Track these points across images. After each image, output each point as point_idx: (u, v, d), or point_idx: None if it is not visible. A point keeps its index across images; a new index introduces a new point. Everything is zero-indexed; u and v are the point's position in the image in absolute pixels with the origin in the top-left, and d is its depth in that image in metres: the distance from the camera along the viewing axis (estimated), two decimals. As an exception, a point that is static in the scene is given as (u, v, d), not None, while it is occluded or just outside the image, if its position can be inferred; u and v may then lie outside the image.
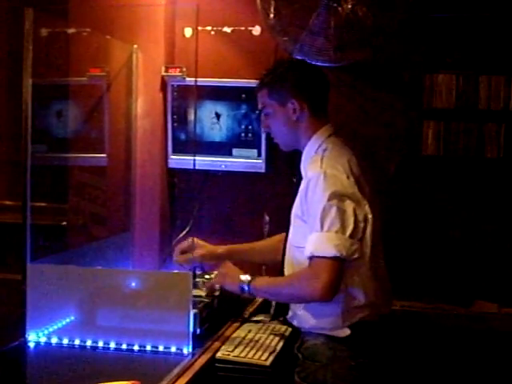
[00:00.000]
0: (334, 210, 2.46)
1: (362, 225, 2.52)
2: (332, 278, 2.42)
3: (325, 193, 2.48)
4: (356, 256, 2.48)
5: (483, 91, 3.42)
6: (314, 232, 2.48)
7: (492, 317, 3.34)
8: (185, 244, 3.08)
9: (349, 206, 2.50)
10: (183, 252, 3.06)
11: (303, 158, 2.71)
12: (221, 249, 3.08)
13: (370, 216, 2.56)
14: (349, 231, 2.47)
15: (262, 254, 3.12)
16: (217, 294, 2.92)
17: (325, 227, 2.46)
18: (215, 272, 3.13)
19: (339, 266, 2.44)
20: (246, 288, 2.63)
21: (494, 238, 3.46)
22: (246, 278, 2.65)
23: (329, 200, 2.47)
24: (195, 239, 3.04)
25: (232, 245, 3.15)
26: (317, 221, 2.47)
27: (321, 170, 2.52)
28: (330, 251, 2.43)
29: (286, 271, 2.72)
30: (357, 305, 2.55)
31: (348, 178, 2.54)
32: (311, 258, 2.47)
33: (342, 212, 2.47)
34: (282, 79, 2.70)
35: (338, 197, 2.48)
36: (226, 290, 2.79)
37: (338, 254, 2.43)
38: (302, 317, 2.64)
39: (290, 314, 2.73)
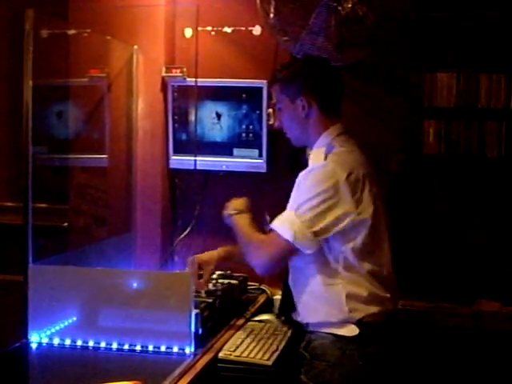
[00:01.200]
0: (315, 202, 2.51)
1: (341, 224, 2.52)
2: (275, 257, 2.57)
3: (317, 183, 2.53)
4: (309, 252, 2.53)
5: (483, 90, 3.42)
6: (288, 209, 2.57)
7: (494, 315, 3.34)
8: (195, 267, 3.00)
9: (333, 203, 2.51)
10: (199, 276, 3.02)
11: (312, 156, 2.71)
12: (222, 252, 3.05)
13: (364, 217, 2.55)
14: (316, 228, 2.51)
15: None
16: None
17: (298, 211, 2.53)
18: (218, 272, 3.14)
19: (288, 249, 2.54)
20: (228, 220, 2.79)
21: (496, 237, 3.46)
22: (232, 211, 2.80)
23: (317, 190, 2.52)
24: (196, 257, 3.02)
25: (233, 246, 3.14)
26: (296, 201, 2.55)
27: (323, 163, 2.57)
28: (285, 234, 2.52)
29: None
30: (360, 298, 2.55)
31: (348, 176, 2.54)
32: (271, 229, 2.58)
33: (321, 207, 2.51)
34: (293, 75, 2.71)
35: (326, 191, 2.51)
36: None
37: (291, 241, 2.51)
38: (310, 310, 2.64)
39: (297, 311, 2.72)
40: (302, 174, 2.61)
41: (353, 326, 2.56)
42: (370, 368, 2.56)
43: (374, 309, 2.58)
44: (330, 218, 2.51)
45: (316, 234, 2.51)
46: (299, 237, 2.50)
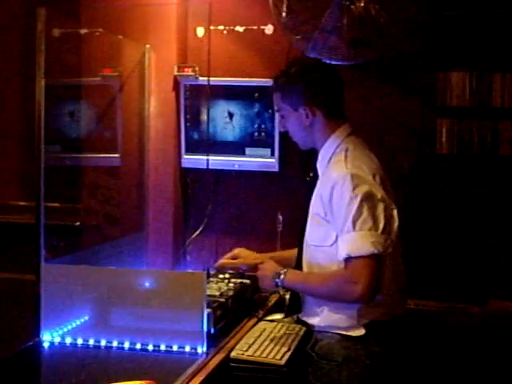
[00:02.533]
0: (364, 210, 2.47)
1: (389, 221, 2.52)
2: (371, 278, 2.43)
3: (353, 194, 2.48)
4: (390, 250, 2.49)
5: (497, 89, 3.40)
6: (345, 233, 2.48)
7: (507, 316, 3.32)
8: (229, 254, 3.09)
9: (378, 203, 2.50)
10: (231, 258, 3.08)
11: (320, 157, 2.69)
12: (261, 258, 3.01)
13: (395, 213, 2.56)
14: (381, 227, 2.47)
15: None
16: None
17: (357, 227, 2.46)
18: (230, 271, 3.14)
19: (377, 263, 2.45)
20: (279, 283, 2.65)
21: (509, 236, 3.45)
22: (279, 271, 2.66)
23: (358, 200, 2.47)
24: (241, 250, 3.10)
25: (273, 252, 3.13)
26: (348, 222, 2.47)
27: (347, 171, 2.53)
28: (366, 249, 2.44)
29: (306, 270, 2.71)
30: (373, 303, 2.53)
31: (374, 177, 2.54)
32: (347, 259, 2.46)
33: (372, 210, 2.48)
34: (292, 85, 2.67)
35: (366, 196, 2.48)
36: (263, 287, 2.86)
37: (376, 251, 2.44)
38: (318, 315, 2.64)
39: (303, 312, 2.72)
40: (326, 192, 2.55)
41: (360, 327, 2.57)
42: (377, 368, 2.56)
43: (382, 311, 2.58)
44: (382, 213, 2.49)
45: (385, 231, 2.48)
46: (377, 244, 2.45)
